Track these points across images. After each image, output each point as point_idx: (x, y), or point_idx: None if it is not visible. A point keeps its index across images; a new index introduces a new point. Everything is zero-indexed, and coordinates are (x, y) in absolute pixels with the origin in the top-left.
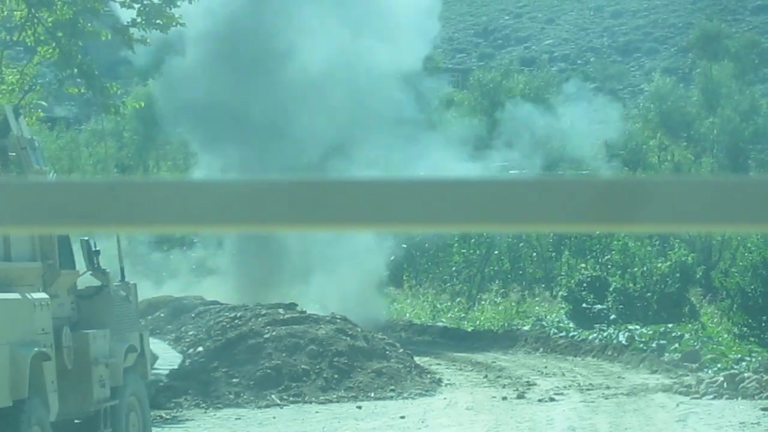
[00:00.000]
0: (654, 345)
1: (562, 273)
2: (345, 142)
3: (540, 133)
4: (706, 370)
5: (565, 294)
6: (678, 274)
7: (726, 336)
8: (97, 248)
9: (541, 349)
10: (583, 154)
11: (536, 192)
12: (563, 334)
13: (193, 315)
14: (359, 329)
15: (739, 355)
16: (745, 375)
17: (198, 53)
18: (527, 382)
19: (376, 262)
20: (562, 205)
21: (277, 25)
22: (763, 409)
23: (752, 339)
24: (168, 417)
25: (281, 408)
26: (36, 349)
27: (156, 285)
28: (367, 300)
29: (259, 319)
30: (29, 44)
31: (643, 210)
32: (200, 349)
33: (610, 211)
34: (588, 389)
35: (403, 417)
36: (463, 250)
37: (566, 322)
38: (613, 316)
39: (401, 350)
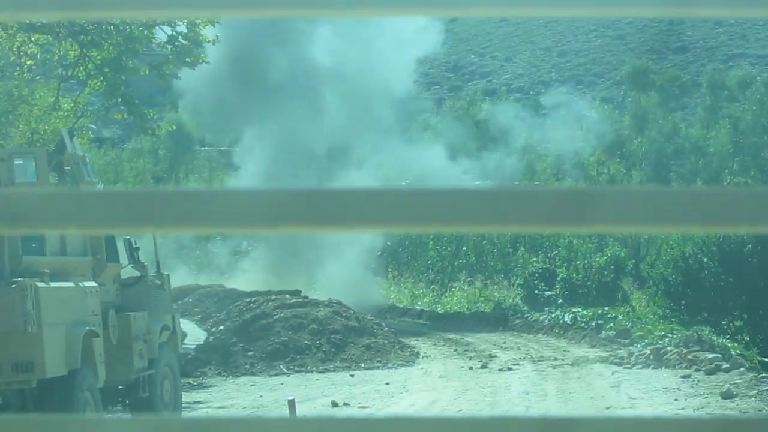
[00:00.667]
0: (593, 324)
1: (518, 265)
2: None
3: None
4: (635, 344)
5: (521, 282)
6: (613, 266)
7: (652, 317)
8: (137, 245)
9: (500, 328)
10: (536, 168)
11: (501, 199)
12: (519, 315)
13: (215, 300)
14: (352, 311)
15: (663, 333)
16: (668, 349)
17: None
18: (489, 354)
19: (366, 256)
20: (523, 210)
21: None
22: (683, 377)
23: (673, 319)
24: (195, 383)
25: (288, 376)
26: (87, 328)
27: (195, 273)
28: (359, 287)
29: (270, 303)
30: (81, 78)
31: (588, 214)
32: (221, 327)
33: (561, 215)
34: (539, 360)
35: (387, 383)
36: (437, 247)
37: (521, 305)
38: (560, 301)
39: (386, 329)
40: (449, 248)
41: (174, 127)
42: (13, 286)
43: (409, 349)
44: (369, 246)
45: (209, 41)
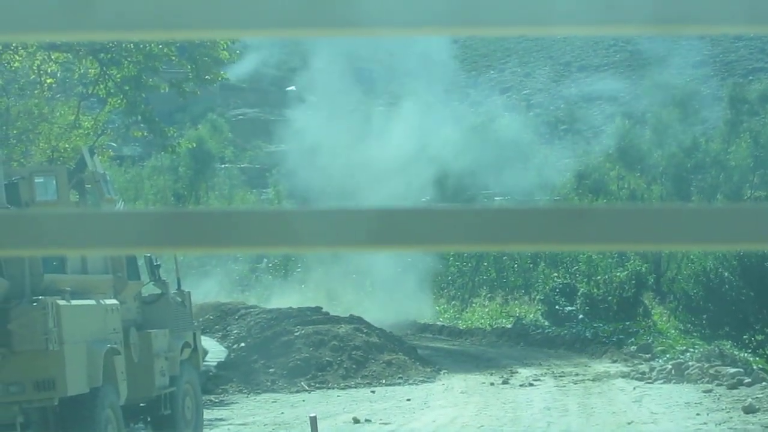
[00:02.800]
0: (614, 339)
1: (539, 280)
2: None
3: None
4: (657, 359)
5: (541, 298)
6: (633, 281)
7: (673, 331)
8: (158, 263)
9: (521, 343)
10: (555, 183)
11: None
12: (540, 330)
13: (236, 317)
14: (373, 327)
15: (684, 347)
16: (689, 363)
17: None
18: (510, 370)
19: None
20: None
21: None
22: (705, 392)
23: (695, 334)
24: (216, 400)
25: (309, 393)
26: (108, 345)
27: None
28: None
29: (291, 320)
30: (101, 96)
31: (584, 233)
32: (242, 344)
33: (561, 234)
34: (560, 376)
35: (409, 399)
36: (457, 263)
37: (542, 320)
38: (580, 316)
39: (407, 344)
40: (469, 264)
41: (194, 145)
42: (35, 304)
43: (430, 365)
44: (393, 264)
45: (228, 58)
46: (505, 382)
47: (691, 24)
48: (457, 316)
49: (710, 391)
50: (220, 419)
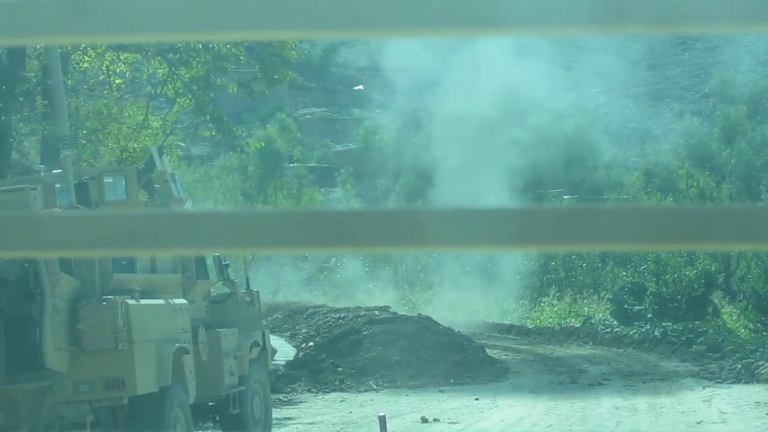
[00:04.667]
0: (683, 338)
1: (607, 279)
2: None
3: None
4: (726, 359)
5: (610, 297)
6: (703, 280)
7: (743, 331)
8: (227, 262)
9: (590, 342)
10: (624, 182)
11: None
12: (608, 329)
13: (305, 316)
14: (441, 327)
15: (755, 347)
16: (760, 363)
17: None
18: (579, 369)
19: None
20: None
21: None
22: None
23: (765, 333)
24: (285, 400)
25: (377, 392)
26: (177, 344)
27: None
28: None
29: (359, 319)
30: (170, 96)
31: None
32: (311, 343)
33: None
34: (629, 375)
35: (477, 399)
36: (525, 262)
37: (611, 320)
38: (649, 315)
39: (476, 344)
40: (538, 263)
41: (263, 144)
42: (104, 303)
43: (498, 364)
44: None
45: (296, 57)
46: (573, 382)
47: (697, 23)
48: (525, 315)
49: None
50: (289, 418)
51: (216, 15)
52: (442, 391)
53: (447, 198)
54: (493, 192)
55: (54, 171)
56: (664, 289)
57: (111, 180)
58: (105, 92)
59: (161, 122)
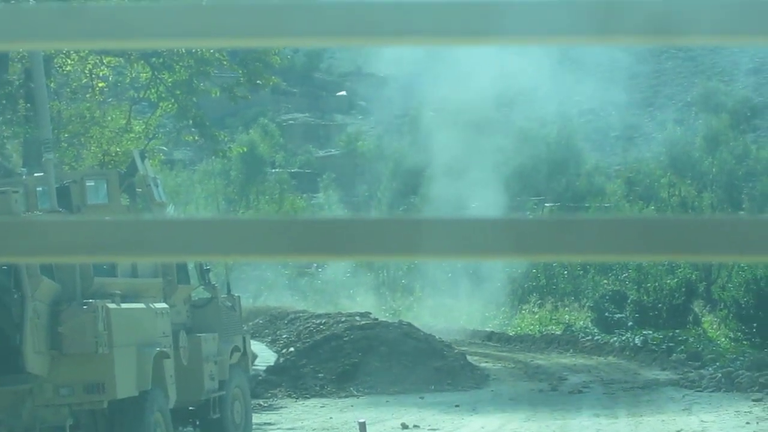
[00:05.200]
0: (664, 347)
1: (588, 287)
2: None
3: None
4: (707, 367)
5: (591, 305)
6: (684, 289)
7: (723, 339)
8: (208, 267)
9: (570, 350)
10: (605, 189)
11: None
12: (589, 337)
13: (286, 321)
14: (422, 333)
15: (735, 356)
16: (740, 372)
17: None
18: (560, 377)
19: (441, 280)
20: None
21: None
22: (755, 400)
23: (745, 342)
24: (265, 405)
25: (358, 398)
26: (158, 349)
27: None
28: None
29: (340, 325)
30: (153, 100)
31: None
32: (292, 349)
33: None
34: (609, 383)
35: (457, 405)
36: (506, 269)
37: (591, 327)
38: (630, 323)
39: (456, 350)
40: (519, 270)
41: (245, 149)
42: (85, 307)
43: (478, 371)
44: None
45: (279, 63)
46: (554, 389)
47: (688, 35)
48: (506, 322)
49: (760, 399)
50: (269, 423)
51: (205, 21)
52: (422, 398)
53: (431, 204)
54: (478, 198)
55: (36, 174)
56: (645, 298)
57: (93, 184)
58: (88, 96)
59: (144, 126)
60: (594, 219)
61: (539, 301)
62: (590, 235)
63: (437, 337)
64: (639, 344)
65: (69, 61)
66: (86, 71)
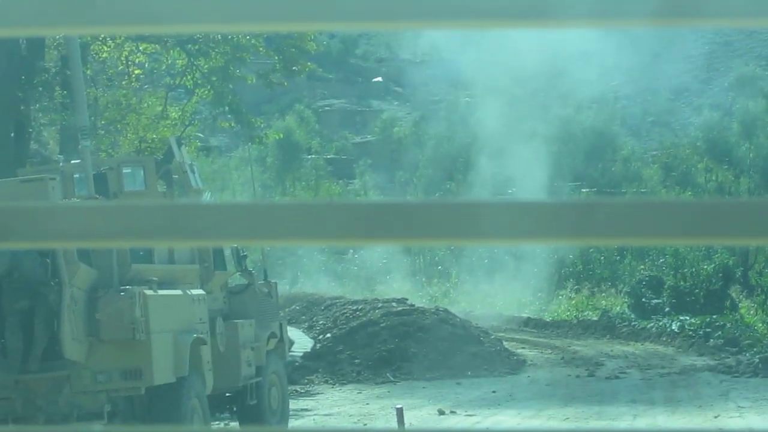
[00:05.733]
0: (701, 332)
1: (625, 273)
2: None
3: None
4: (744, 353)
5: (628, 290)
6: (721, 274)
7: (761, 325)
8: (245, 253)
9: (607, 336)
10: (642, 175)
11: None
12: (626, 323)
13: (322, 307)
14: (458, 319)
15: None
16: None
17: None
18: (596, 362)
19: (478, 266)
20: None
21: None
22: None
23: None
24: (302, 391)
25: (395, 384)
26: (195, 335)
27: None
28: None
29: (376, 311)
30: (189, 87)
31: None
32: (328, 335)
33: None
34: (646, 369)
35: (494, 391)
36: (543, 254)
37: (628, 313)
38: (667, 309)
39: (493, 336)
40: (556, 256)
41: (281, 135)
42: (122, 293)
43: (515, 357)
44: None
45: (315, 49)
46: (590, 375)
47: (697, 17)
48: (543, 307)
49: None
50: (306, 409)
51: (240, 6)
52: (459, 384)
53: (468, 190)
54: (515, 184)
55: (73, 161)
56: (681, 283)
57: (130, 170)
58: (124, 83)
59: (180, 113)
60: (633, 202)
61: (576, 287)
62: (628, 218)
63: (474, 323)
64: (676, 330)
65: (105, 48)
66: (122, 58)
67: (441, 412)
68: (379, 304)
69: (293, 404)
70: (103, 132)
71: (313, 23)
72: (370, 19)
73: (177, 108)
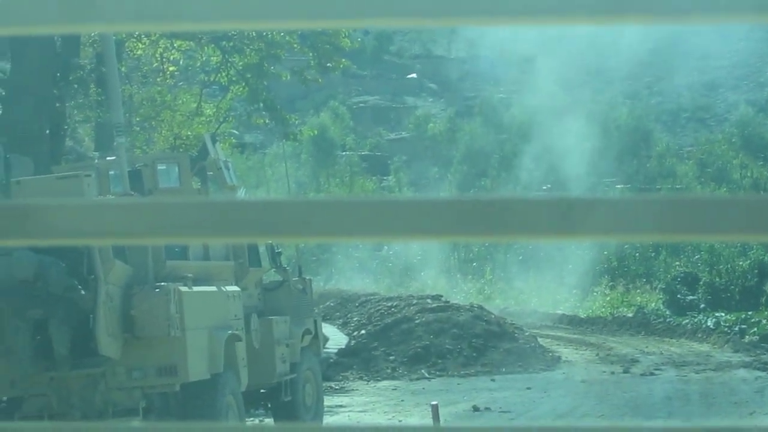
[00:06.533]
0: (736, 329)
1: (660, 269)
2: None
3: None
4: None
5: (663, 287)
6: (756, 270)
7: None
8: (280, 249)
9: (642, 332)
10: (676, 171)
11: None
12: (661, 319)
13: (357, 304)
14: (493, 315)
15: None
16: None
17: None
18: (631, 359)
19: (512, 262)
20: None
21: None
22: None
23: None
24: (337, 387)
25: (429, 380)
26: (230, 332)
27: (337, 277)
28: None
29: (411, 308)
30: (224, 84)
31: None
32: (363, 332)
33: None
34: (682, 365)
35: (529, 388)
36: (578, 251)
37: (663, 310)
38: (702, 305)
39: (527, 333)
40: (591, 253)
41: (316, 132)
42: (157, 290)
43: (550, 354)
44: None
45: (350, 46)
46: (625, 372)
47: (699, 15)
48: (577, 304)
49: None
50: (341, 406)
51: (275, 3)
52: (493, 380)
53: (502, 187)
54: (549, 180)
55: (108, 158)
56: (717, 279)
57: (164, 167)
58: (158, 79)
59: (214, 110)
60: (666, 198)
61: (611, 284)
62: (663, 214)
63: (508, 319)
64: (711, 326)
65: (140, 45)
66: (157, 55)
67: (476, 409)
68: (414, 301)
69: (328, 401)
70: (138, 129)
71: (347, 20)
72: (405, 16)
73: (212, 105)
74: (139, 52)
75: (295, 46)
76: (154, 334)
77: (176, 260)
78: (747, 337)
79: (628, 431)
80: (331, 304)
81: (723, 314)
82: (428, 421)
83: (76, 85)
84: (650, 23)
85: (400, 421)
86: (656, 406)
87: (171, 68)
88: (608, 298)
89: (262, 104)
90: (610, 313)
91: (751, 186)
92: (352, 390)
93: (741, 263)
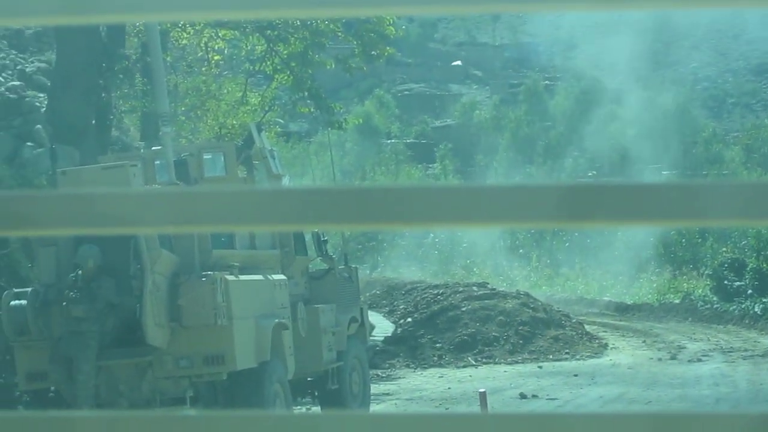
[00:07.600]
0: None
1: (707, 255)
2: None
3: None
4: None
5: (710, 273)
6: None
7: None
8: (326, 238)
9: (689, 319)
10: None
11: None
12: (708, 306)
13: (403, 292)
14: (539, 302)
15: None
16: None
17: None
18: (678, 346)
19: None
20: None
21: None
22: None
23: None
24: (383, 375)
25: (476, 368)
26: (276, 320)
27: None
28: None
29: (457, 295)
30: (268, 72)
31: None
32: (409, 319)
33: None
34: (729, 352)
35: (576, 375)
36: (624, 237)
37: (710, 296)
38: (749, 291)
39: (574, 320)
40: (637, 239)
41: (361, 121)
42: (204, 279)
43: (597, 341)
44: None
45: (395, 34)
46: (672, 358)
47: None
48: (624, 291)
49: None
50: (387, 394)
51: None
52: (540, 367)
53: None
54: (594, 167)
55: (153, 148)
56: (764, 265)
57: (210, 156)
58: (203, 69)
59: (259, 99)
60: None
61: (657, 270)
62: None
63: (555, 306)
64: (759, 312)
65: (185, 35)
66: (202, 45)
67: (523, 396)
68: (460, 289)
69: (374, 389)
70: (183, 118)
71: (392, 7)
72: (450, 3)
73: (257, 94)
74: (184, 41)
75: (340, 34)
76: (201, 323)
77: (222, 249)
78: None
79: (675, 418)
80: (377, 292)
81: None
82: (476, 408)
83: (121, 76)
84: (693, 7)
85: (447, 408)
86: (704, 393)
87: (216, 57)
88: (655, 285)
89: (306, 93)
90: (656, 299)
91: None
92: (399, 378)
93: None
